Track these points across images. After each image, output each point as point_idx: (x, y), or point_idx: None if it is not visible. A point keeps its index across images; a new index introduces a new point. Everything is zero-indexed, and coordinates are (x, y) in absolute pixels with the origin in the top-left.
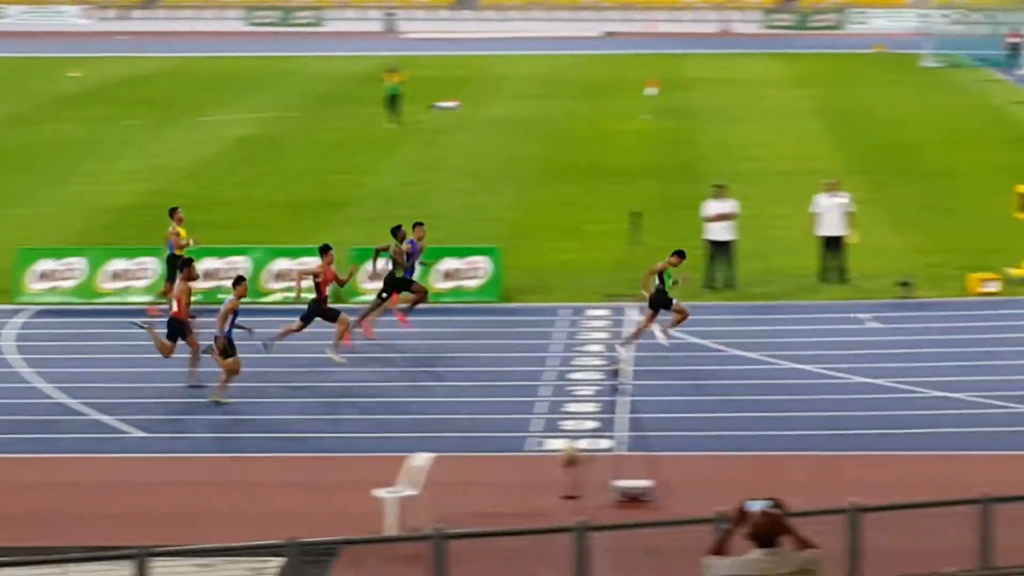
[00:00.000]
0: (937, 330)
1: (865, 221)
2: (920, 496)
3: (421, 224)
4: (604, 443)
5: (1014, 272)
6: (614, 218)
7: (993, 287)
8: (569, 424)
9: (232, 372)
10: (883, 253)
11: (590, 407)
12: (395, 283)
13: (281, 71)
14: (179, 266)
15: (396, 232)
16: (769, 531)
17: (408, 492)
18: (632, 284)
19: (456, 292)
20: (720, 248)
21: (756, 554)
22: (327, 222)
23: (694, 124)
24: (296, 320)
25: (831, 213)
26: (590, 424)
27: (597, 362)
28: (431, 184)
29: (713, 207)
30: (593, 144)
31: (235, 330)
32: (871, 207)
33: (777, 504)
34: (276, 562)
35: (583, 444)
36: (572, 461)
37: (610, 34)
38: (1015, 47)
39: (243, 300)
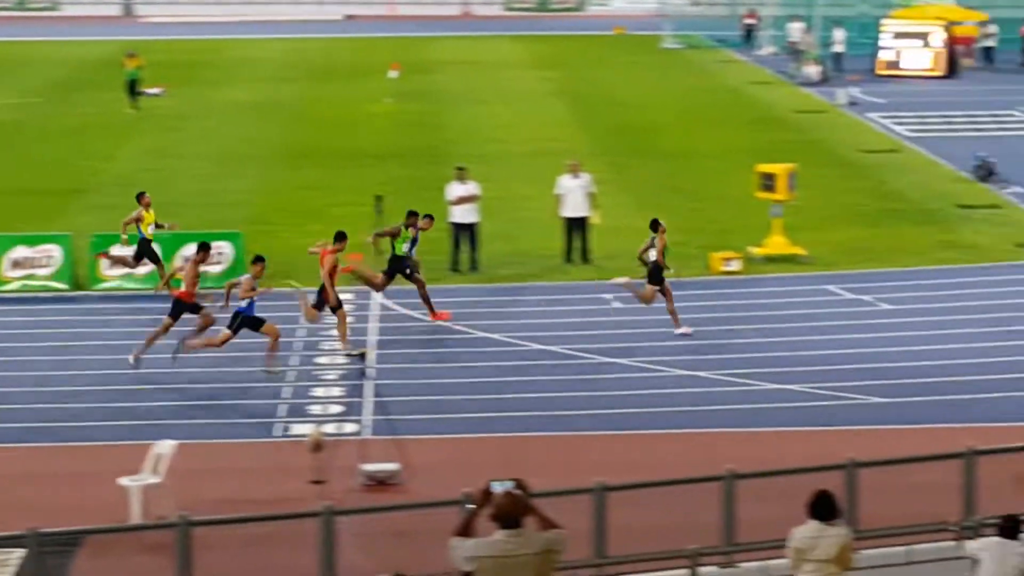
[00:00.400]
0: (680, 309)
1: (608, 202)
2: (665, 474)
3: (431, 217)
4: (350, 427)
5: (755, 251)
6: (359, 201)
7: (734, 266)
8: (315, 409)
9: (275, 335)
10: (626, 233)
11: (336, 391)
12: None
13: (19, 57)
14: (197, 249)
15: (412, 216)
16: (513, 512)
17: (151, 480)
18: (375, 265)
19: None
20: (464, 230)
21: (500, 535)
22: (66, 209)
23: (438, 106)
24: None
25: (574, 194)
26: (336, 408)
27: (342, 346)
28: (173, 170)
29: (456, 189)
30: (337, 127)
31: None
32: (613, 188)
33: (520, 485)
34: (18, 553)
35: (329, 428)
36: (318, 446)
37: (351, 17)
38: (751, 28)
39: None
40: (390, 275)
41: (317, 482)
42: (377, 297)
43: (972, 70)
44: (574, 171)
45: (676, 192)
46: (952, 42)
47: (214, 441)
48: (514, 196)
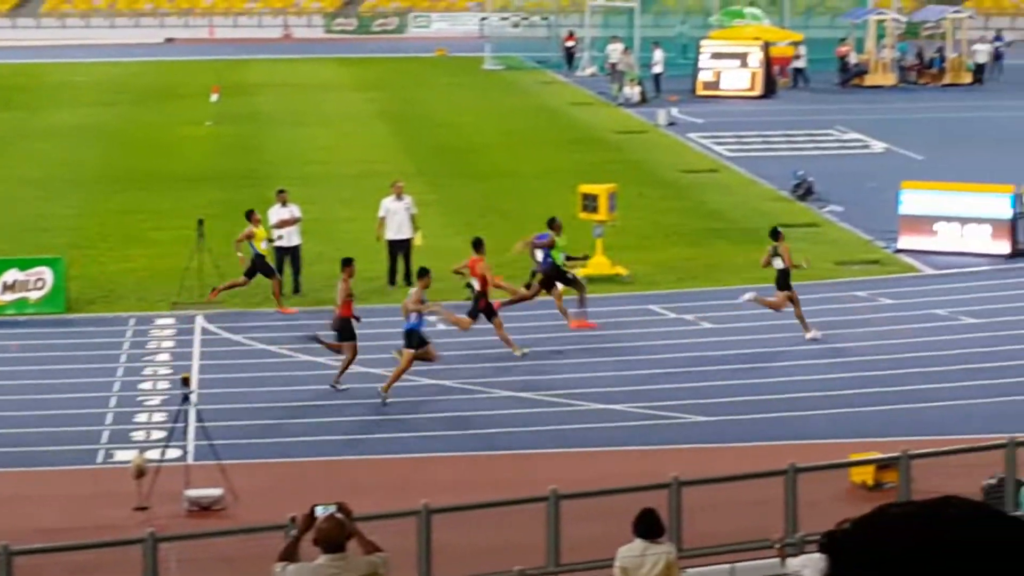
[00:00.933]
0: (484, 331)
1: (431, 223)
2: (491, 494)
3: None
4: (174, 453)
5: (580, 271)
6: (180, 225)
7: (557, 287)
8: (139, 435)
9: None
10: (449, 255)
11: (158, 417)
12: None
13: None
14: (341, 266)
15: (552, 223)
16: (336, 536)
17: None
18: (201, 291)
19: (19, 304)
20: (286, 253)
21: (323, 559)
22: None
23: (259, 129)
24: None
25: (398, 216)
26: (159, 434)
27: (166, 371)
28: None
29: (277, 213)
30: (158, 151)
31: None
32: (436, 209)
33: (343, 509)
34: None
35: (152, 454)
36: (141, 472)
37: (171, 40)
38: (571, 50)
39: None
40: (548, 284)
41: (141, 508)
42: (199, 321)
43: (789, 90)
44: (398, 193)
45: (499, 213)
46: (769, 62)
47: (36, 469)
48: (337, 218)
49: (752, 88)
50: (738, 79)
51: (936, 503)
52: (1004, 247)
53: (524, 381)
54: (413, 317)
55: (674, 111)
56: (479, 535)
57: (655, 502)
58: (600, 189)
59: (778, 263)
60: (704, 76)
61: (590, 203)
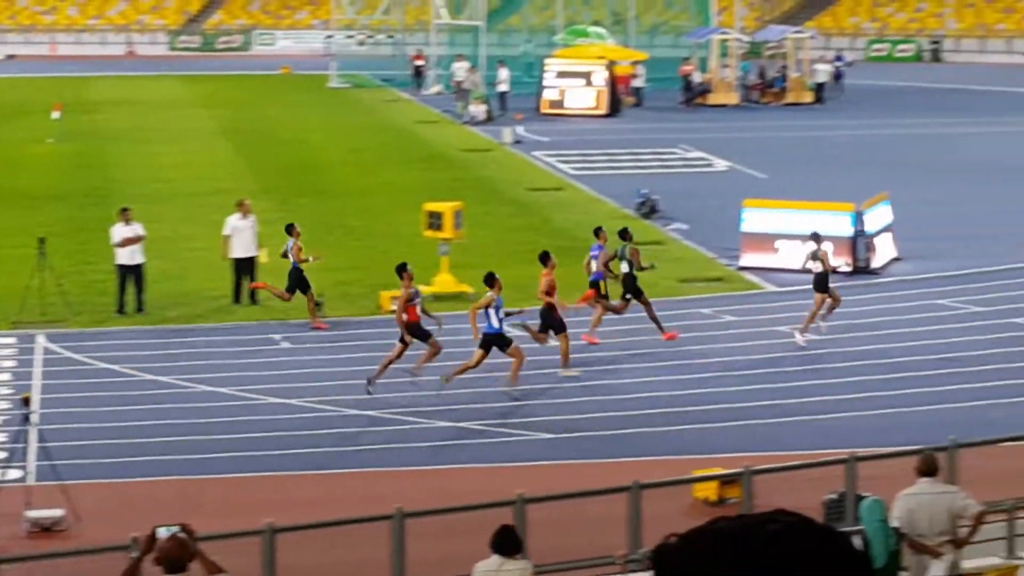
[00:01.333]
0: (349, 348)
1: (277, 242)
2: (337, 513)
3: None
4: (14, 473)
5: (425, 289)
6: (21, 243)
7: None
8: None
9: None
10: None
11: None
12: (634, 285)
13: None
14: (398, 273)
15: (625, 234)
16: (177, 556)
17: None
18: (42, 309)
19: None
20: (130, 272)
21: None
22: None
23: (104, 146)
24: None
25: (243, 234)
26: None
27: (6, 391)
28: None
29: (120, 231)
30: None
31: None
32: (282, 227)
33: (186, 529)
34: None
35: None
36: None
37: (12, 57)
38: (420, 68)
39: None
40: (630, 297)
41: None
42: (40, 340)
43: (633, 108)
44: (244, 211)
45: (345, 230)
46: (614, 81)
47: None
48: (181, 236)
49: (597, 107)
50: (583, 98)
51: (761, 517)
52: (845, 265)
53: (369, 400)
54: (492, 319)
55: (519, 129)
56: (325, 554)
57: (501, 519)
58: (446, 207)
59: (815, 267)
60: (549, 95)
61: (435, 221)
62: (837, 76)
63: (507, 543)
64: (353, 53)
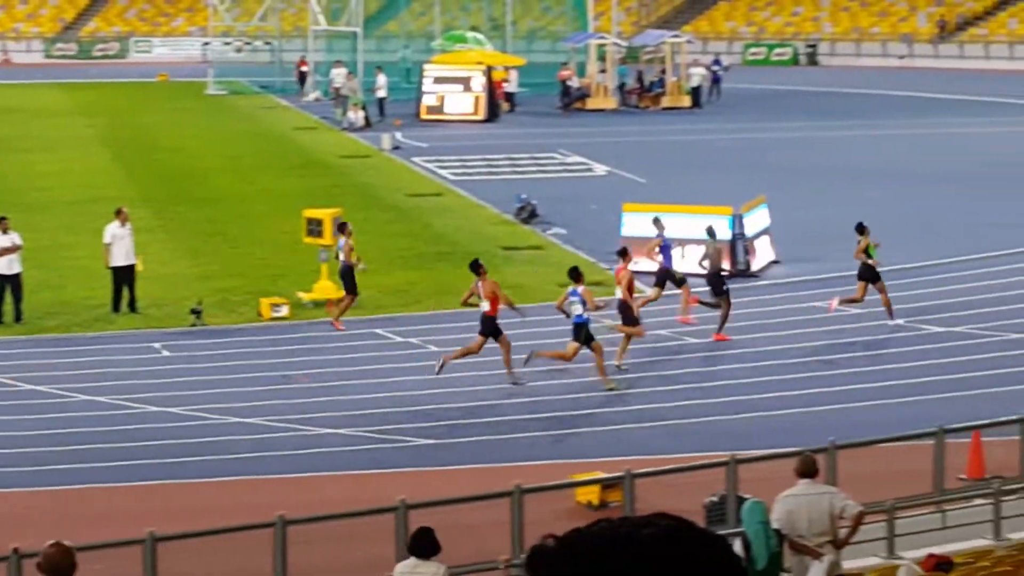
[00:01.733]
0: (229, 356)
1: (156, 249)
2: (219, 521)
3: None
4: None
5: (304, 296)
6: None
7: (284, 311)
8: None
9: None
10: (174, 281)
11: None
12: (721, 280)
13: None
14: (473, 269)
15: (712, 232)
16: (60, 563)
17: None
18: None
19: None
20: (7, 281)
21: None
22: None
23: None
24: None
25: (122, 243)
26: None
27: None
28: None
29: None
30: None
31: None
32: (161, 235)
33: (59, 544)
34: None
35: None
36: None
37: None
38: (305, 75)
39: None
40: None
41: None
42: None
43: (511, 114)
44: (121, 219)
45: (224, 238)
46: (492, 86)
47: None
48: (59, 245)
49: (476, 112)
50: (461, 103)
51: (640, 521)
52: (724, 268)
53: (250, 407)
54: (585, 313)
55: (398, 135)
56: (205, 563)
57: (384, 526)
58: (325, 214)
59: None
60: (428, 100)
61: (315, 228)
62: (715, 80)
63: (421, 545)
64: (230, 60)
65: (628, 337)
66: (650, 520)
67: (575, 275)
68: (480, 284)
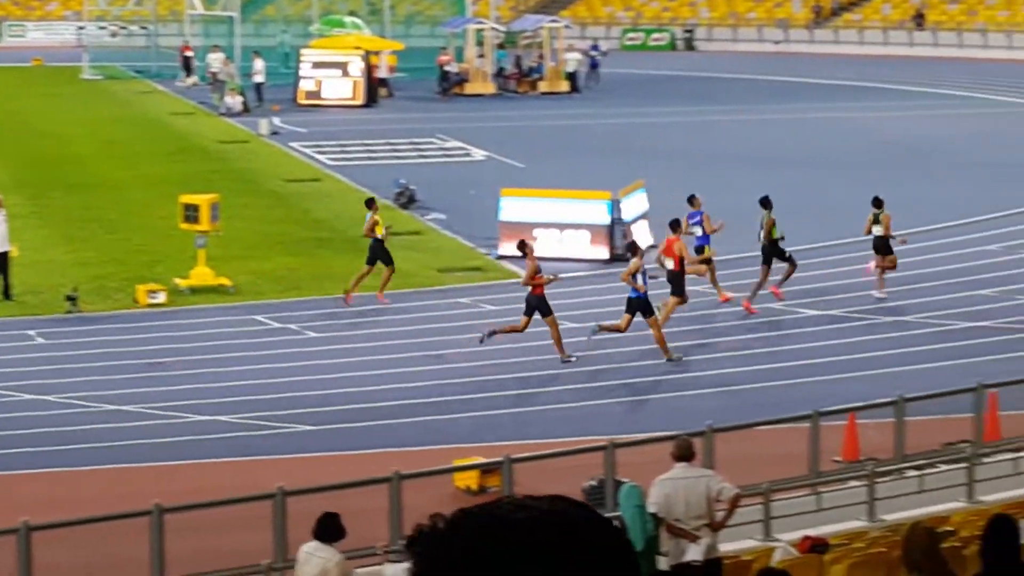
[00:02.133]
0: (105, 343)
1: (30, 236)
2: (93, 510)
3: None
4: None
5: (181, 282)
6: None
7: (160, 298)
8: None
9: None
10: (48, 267)
11: None
12: (776, 251)
13: None
14: (520, 249)
15: (765, 201)
16: None
17: None
18: None
19: None
20: None
21: None
22: None
23: None
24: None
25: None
26: None
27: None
28: None
29: None
30: None
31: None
32: (35, 221)
33: None
34: None
35: None
36: None
37: None
38: (189, 60)
39: None
40: (769, 262)
41: None
42: None
43: (389, 99)
44: None
45: (100, 224)
46: (371, 71)
47: None
48: None
49: (354, 97)
50: (340, 88)
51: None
52: (603, 252)
53: (125, 395)
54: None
55: (276, 120)
56: (81, 552)
57: (260, 513)
58: (202, 199)
59: (877, 230)
60: (306, 85)
61: (192, 213)
62: (593, 65)
63: (324, 530)
64: (106, 44)
65: (671, 308)
66: (543, 502)
67: (632, 249)
68: (527, 262)
